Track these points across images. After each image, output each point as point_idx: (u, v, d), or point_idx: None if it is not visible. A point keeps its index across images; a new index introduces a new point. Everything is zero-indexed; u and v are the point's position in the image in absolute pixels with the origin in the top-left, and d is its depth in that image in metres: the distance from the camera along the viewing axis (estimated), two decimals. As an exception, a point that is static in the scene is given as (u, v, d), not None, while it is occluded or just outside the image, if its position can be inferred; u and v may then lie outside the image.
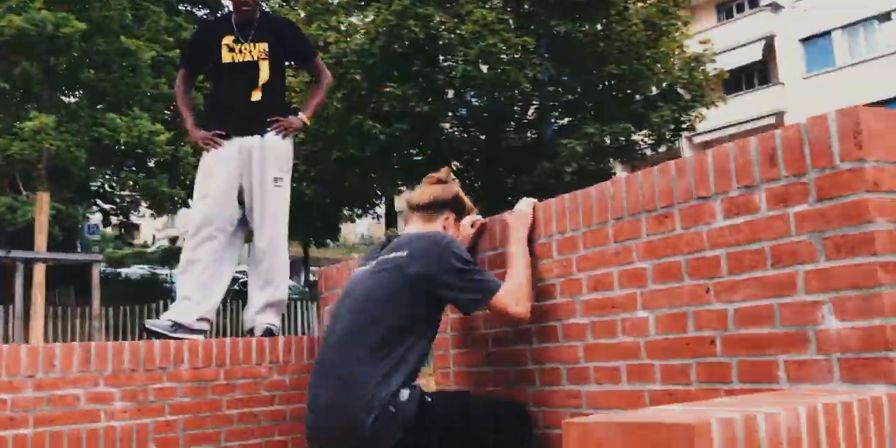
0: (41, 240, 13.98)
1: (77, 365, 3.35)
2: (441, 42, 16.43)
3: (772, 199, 1.94)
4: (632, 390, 2.31)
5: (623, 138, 17.46)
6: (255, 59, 4.24)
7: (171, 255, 34.37)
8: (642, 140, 18.38)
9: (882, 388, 1.67)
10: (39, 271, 13.61)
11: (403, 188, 20.68)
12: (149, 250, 39.63)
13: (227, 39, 4.27)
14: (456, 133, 18.61)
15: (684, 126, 18.61)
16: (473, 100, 18.62)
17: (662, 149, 18.82)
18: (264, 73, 4.25)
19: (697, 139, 27.00)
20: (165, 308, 14.12)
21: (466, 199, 2.94)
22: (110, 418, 3.39)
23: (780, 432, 1.36)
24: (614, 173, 19.36)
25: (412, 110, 15.99)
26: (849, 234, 1.77)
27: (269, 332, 4.07)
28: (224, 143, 4.17)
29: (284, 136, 4.22)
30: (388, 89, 15.66)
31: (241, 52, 4.25)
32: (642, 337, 2.28)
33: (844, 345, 1.75)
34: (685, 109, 17.98)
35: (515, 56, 16.14)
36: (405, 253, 2.57)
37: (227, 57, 4.25)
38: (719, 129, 26.46)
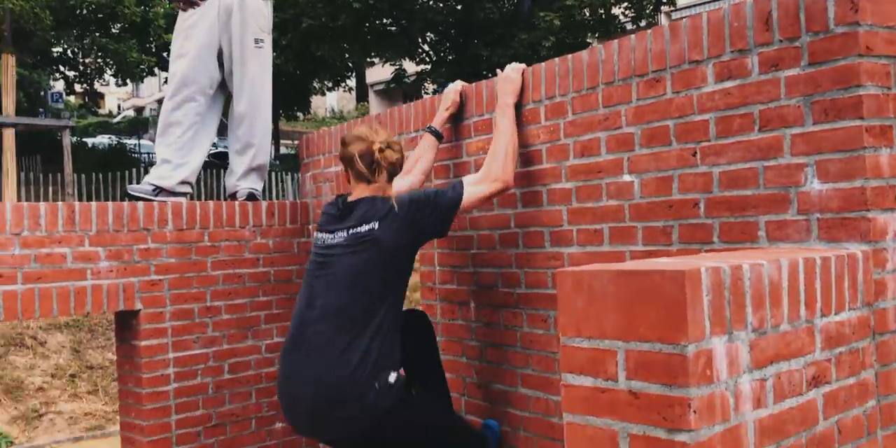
0: (9, 103, 13.64)
1: (62, 224, 3.37)
2: None
3: (764, 63, 1.95)
4: (613, 251, 2.39)
5: (602, 11, 17.05)
6: (233, -86, 4.04)
7: (137, 125, 33.74)
8: (622, 13, 17.97)
9: (857, 245, 1.75)
10: (9, 136, 13.35)
11: (376, 60, 20.20)
12: (114, 121, 38.87)
13: None
14: (431, 2, 18.04)
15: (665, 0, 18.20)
16: (450, -33, 17.97)
17: (642, 24, 18.43)
18: (242, -71, 4.06)
19: (676, 15, 26.52)
20: (137, 176, 14.07)
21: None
22: (97, 277, 3.45)
23: (763, 280, 1.44)
24: (591, 48, 19.01)
25: (387, -24, 15.44)
26: (837, 98, 1.80)
27: (252, 197, 4.09)
28: (202, 3, 4.04)
29: (264, -4, 4.09)
30: (362, -47, 15.05)
31: None
32: (627, 200, 2.34)
33: (824, 205, 1.82)
34: (668, -18, 17.53)
35: (496, -81, 15.48)
36: (376, 226, 2.54)
37: (202, -88, 4.05)
38: (698, 5, 25.94)
